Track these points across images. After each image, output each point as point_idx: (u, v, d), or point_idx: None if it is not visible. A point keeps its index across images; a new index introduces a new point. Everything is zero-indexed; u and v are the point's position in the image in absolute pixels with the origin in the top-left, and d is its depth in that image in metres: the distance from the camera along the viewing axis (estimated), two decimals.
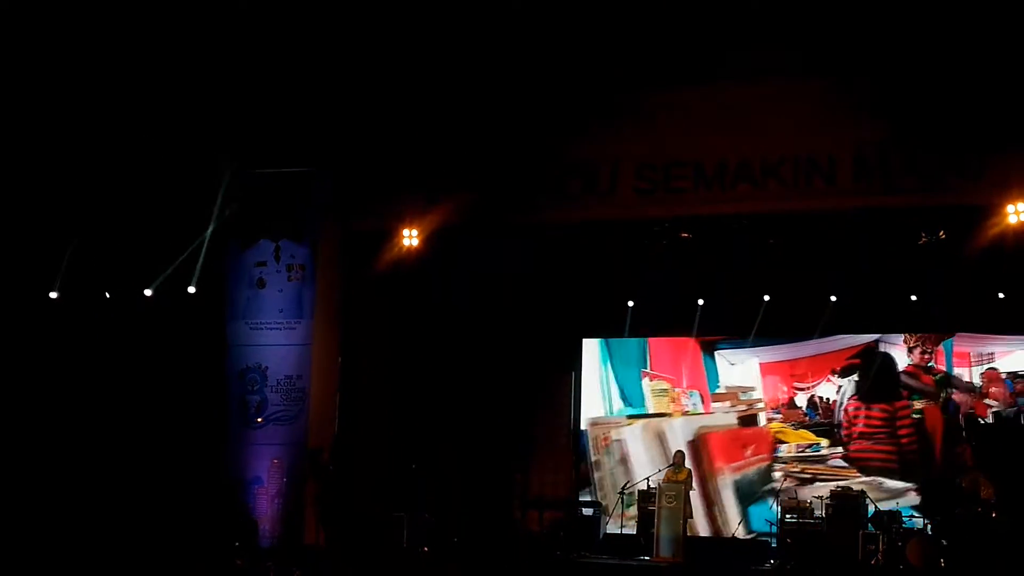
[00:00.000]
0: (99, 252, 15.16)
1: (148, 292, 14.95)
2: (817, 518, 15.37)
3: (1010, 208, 13.21)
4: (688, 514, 15.34)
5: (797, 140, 13.57)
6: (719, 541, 16.67)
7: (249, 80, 14.27)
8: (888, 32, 13.03)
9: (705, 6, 13.15)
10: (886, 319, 17.03)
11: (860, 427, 16.71)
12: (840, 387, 17.52)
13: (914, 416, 16.50)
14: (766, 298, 16.95)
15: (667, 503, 15.12)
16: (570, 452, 18.39)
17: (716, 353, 18.53)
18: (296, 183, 15.25)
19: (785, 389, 18.15)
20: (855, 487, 15.76)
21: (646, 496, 16.27)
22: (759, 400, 18.21)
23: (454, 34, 13.59)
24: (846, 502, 15.29)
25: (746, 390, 18.31)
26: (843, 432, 16.90)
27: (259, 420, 15.22)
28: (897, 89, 13.31)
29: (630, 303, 17.68)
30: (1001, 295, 16.15)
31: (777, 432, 17.80)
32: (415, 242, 15.00)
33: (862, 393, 16.89)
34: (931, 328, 17.08)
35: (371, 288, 15.49)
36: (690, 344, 18.46)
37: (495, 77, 14.29)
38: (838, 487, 15.95)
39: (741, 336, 17.79)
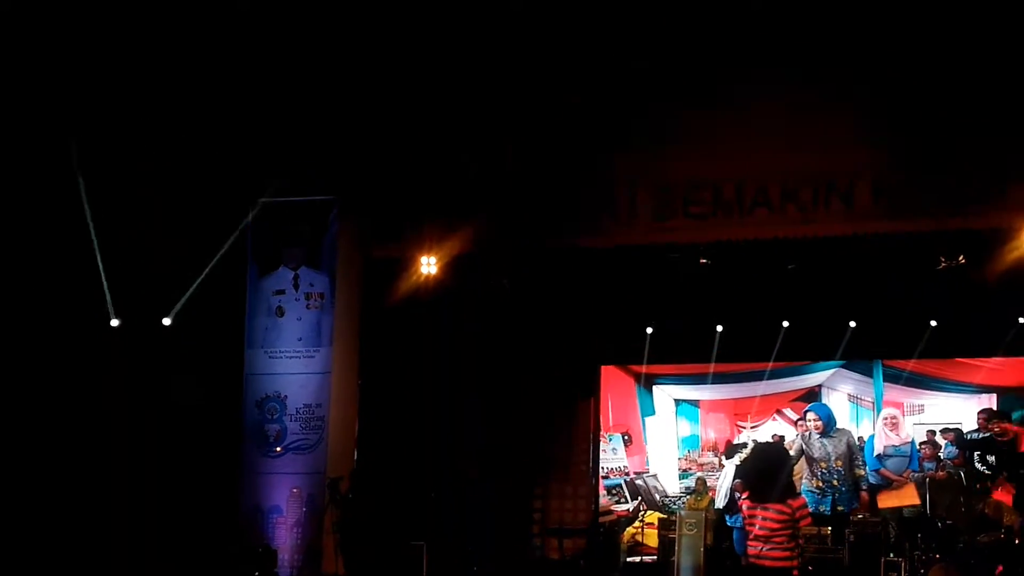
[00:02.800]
0: (116, 279, 15.17)
1: (167, 321, 14.92)
2: (837, 546, 15.30)
3: None
4: (709, 542, 15.26)
5: (816, 164, 13.55)
6: (739, 569, 16.55)
7: (269, 109, 14.31)
8: (908, 55, 13.04)
9: (724, 28, 13.20)
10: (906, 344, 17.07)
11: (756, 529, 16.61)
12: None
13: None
14: (785, 324, 16.96)
15: (687, 531, 15.06)
16: (589, 479, 18.34)
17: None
18: (315, 211, 15.28)
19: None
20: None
21: (667, 524, 16.22)
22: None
23: (473, 62, 13.64)
24: (867, 529, 15.24)
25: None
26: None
27: (278, 449, 15.20)
28: (917, 112, 13.28)
29: (648, 330, 17.67)
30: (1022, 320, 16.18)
31: None
32: (434, 269, 15.02)
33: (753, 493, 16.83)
34: (943, 355, 17.17)
35: (390, 316, 15.47)
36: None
37: (513, 104, 14.32)
38: (859, 515, 15.92)
39: (761, 360, 17.77)
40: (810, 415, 17.52)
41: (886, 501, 16.75)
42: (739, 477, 14.66)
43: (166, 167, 14.80)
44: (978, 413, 16.93)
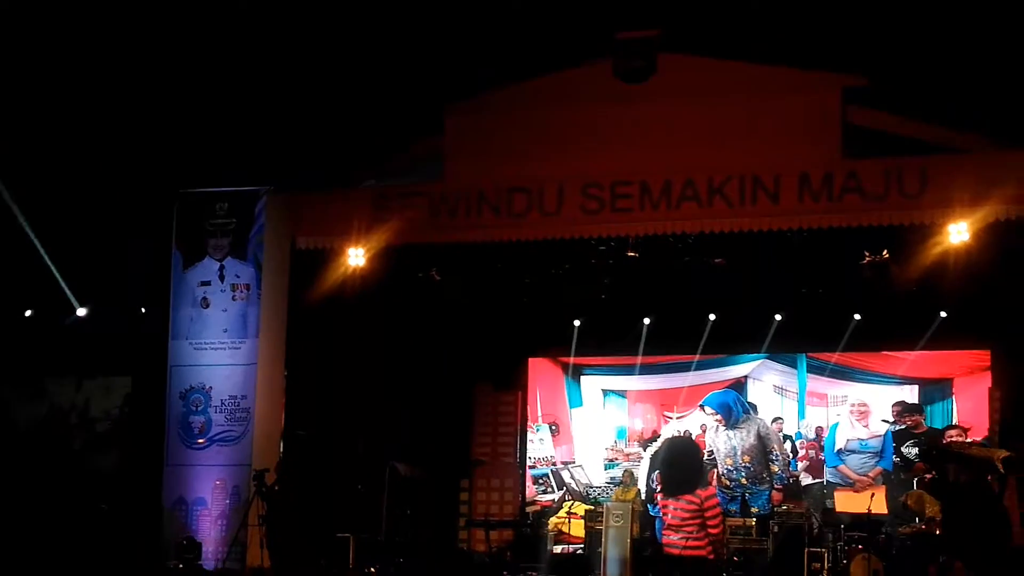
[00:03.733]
0: (32, 269, 15.01)
1: (81, 312, 14.79)
2: (762, 537, 15.44)
3: (951, 227, 13.37)
4: (635, 533, 15.31)
5: (743, 159, 13.63)
6: (667, 560, 16.61)
7: (191, 99, 14.19)
8: (832, 50, 13.17)
9: (649, 23, 13.28)
10: (826, 338, 17.26)
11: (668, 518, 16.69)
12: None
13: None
14: (712, 317, 17.09)
15: (614, 522, 15.08)
16: (516, 471, 18.37)
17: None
18: (240, 201, 15.14)
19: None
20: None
21: (594, 515, 16.27)
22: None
23: (391, 49, 13.61)
24: (791, 520, 15.39)
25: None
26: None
27: (202, 441, 15.05)
28: (840, 107, 13.41)
29: (576, 322, 17.73)
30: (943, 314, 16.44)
31: None
32: (361, 261, 14.96)
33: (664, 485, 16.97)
34: (866, 348, 17.38)
35: (317, 307, 15.37)
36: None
37: (439, 93, 14.29)
38: (783, 507, 16.07)
39: (688, 354, 17.90)
40: (707, 409, 17.64)
41: (845, 504, 16.54)
42: (654, 469, 14.82)
43: (89, 159, 14.63)
44: (892, 405, 17.17)
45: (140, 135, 14.48)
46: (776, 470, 17.19)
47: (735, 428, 17.42)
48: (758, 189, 13.58)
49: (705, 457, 17.23)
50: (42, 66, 13.70)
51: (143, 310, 15.52)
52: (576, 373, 18.85)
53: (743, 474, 17.29)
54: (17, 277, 15.50)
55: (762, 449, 17.32)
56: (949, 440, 15.62)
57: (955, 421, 16.87)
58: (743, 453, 17.23)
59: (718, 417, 17.56)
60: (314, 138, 14.75)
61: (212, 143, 14.71)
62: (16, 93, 13.86)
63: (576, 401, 18.91)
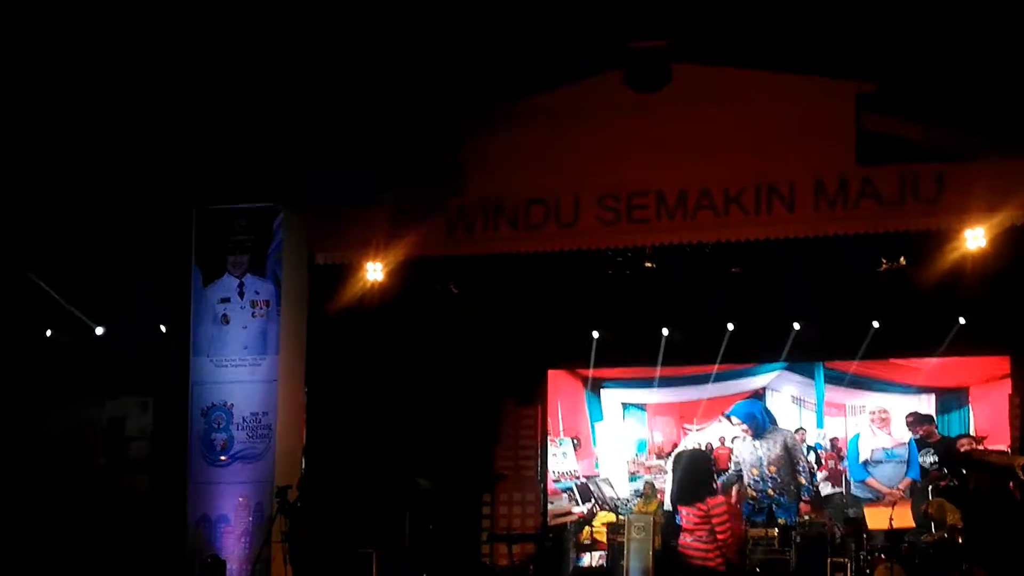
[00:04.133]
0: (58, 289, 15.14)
1: (99, 331, 14.89)
2: (784, 547, 15.41)
3: (968, 233, 13.37)
4: (657, 545, 15.31)
5: (758, 167, 13.66)
6: (691, 571, 16.64)
7: (211, 116, 14.28)
8: (843, 58, 13.20)
9: (660, 33, 13.34)
10: (845, 346, 17.23)
11: (683, 523, 16.44)
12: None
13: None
14: (730, 327, 17.09)
15: (636, 535, 15.11)
16: (537, 484, 18.39)
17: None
18: (259, 218, 15.24)
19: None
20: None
21: (615, 528, 16.28)
22: None
23: (409, 64, 13.69)
24: (813, 530, 15.37)
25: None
26: None
27: (224, 458, 15.11)
28: (854, 114, 13.44)
29: (595, 334, 17.75)
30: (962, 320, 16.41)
31: None
32: (380, 275, 15.04)
33: (676, 494, 17.05)
34: (885, 355, 17.35)
35: (337, 323, 15.43)
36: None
37: (454, 107, 14.37)
38: (805, 517, 16.04)
39: (707, 365, 17.88)
40: (733, 420, 17.60)
41: (877, 520, 16.22)
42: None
43: (107, 176, 14.74)
44: (905, 416, 17.11)
45: (157, 152, 14.56)
46: (803, 481, 17.14)
47: (761, 438, 17.41)
48: (774, 197, 13.62)
49: (731, 468, 17.26)
50: (57, 81, 13.79)
51: (163, 328, 15.60)
52: (595, 386, 18.85)
53: (769, 485, 17.25)
54: (36, 297, 15.60)
55: (789, 460, 17.28)
56: (970, 448, 15.66)
57: (971, 430, 16.85)
58: (769, 464, 17.21)
59: (745, 427, 17.53)
60: (330, 153, 14.82)
61: (229, 159, 14.79)
62: (31, 108, 13.96)
63: (597, 415, 18.89)
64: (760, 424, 17.50)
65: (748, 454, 17.36)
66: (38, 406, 15.75)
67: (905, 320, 16.43)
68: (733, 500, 16.58)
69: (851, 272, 15.27)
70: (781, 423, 17.81)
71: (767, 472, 17.24)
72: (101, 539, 14.89)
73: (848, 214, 13.47)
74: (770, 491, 17.20)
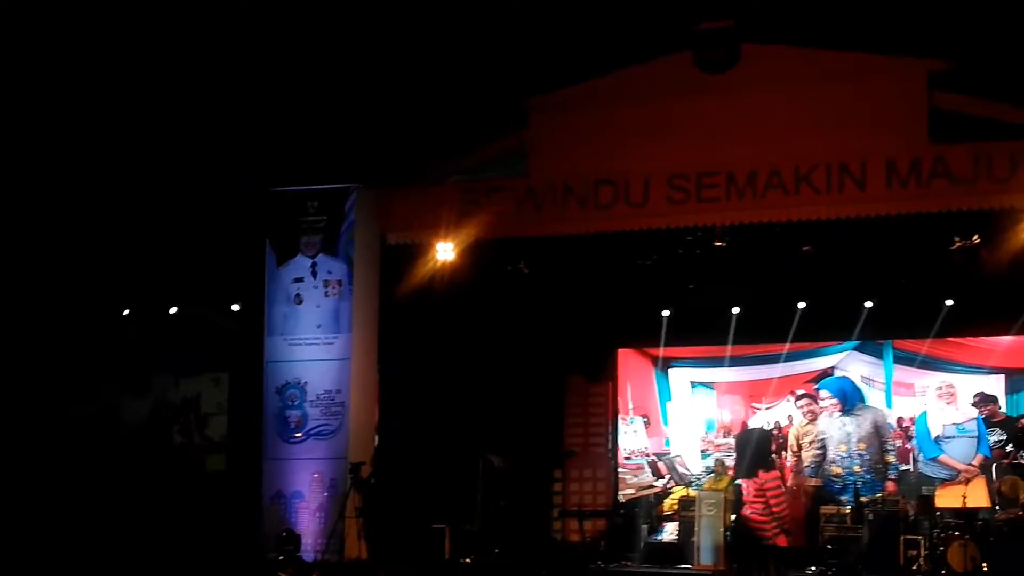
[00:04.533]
0: (130, 271, 15.40)
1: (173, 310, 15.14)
2: (857, 525, 15.37)
3: None
4: (728, 522, 15.35)
5: (828, 147, 13.61)
6: (761, 548, 16.65)
7: (282, 98, 14.44)
8: (918, 36, 13.10)
9: (728, 13, 13.31)
10: (916, 325, 17.07)
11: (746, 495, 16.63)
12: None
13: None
14: (801, 305, 17.01)
15: (707, 511, 15.16)
16: (608, 461, 18.44)
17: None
18: (331, 198, 15.40)
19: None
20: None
21: (687, 504, 16.33)
22: None
23: (487, 45, 13.76)
24: (886, 507, 15.32)
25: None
26: None
27: (299, 435, 15.35)
28: (926, 92, 13.34)
29: (665, 313, 17.75)
30: None
31: None
32: (450, 255, 15.15)
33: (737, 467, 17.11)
34: (957, 334, 17.17)
35: (408, 301, 15.59)
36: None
37: (526, 88, 14.43)
38: (878, 494, 15.98)
39: (778, 341, 17.82)
40: (822, 393, 17.47)
41: (945, 499, 15.92)
42: None
43: (183, 159, 14.96)
44: (972, 396, 16.94)
45: (232, 135, 14.76)
46: (891, 460, 16.92)
47: (850, 415, 17.21)
48: (844, 176, 13.57)
49: (813, 447, 17.12)
50: (136, 67, 14.02)
51: (235, 307, 15.82)
52: (665, 365, 18.82)
53: (856, 462, 17.05)
54: (114, 277, 15.88)
55: (878, 438, 17.05)
56: None
57: None
58: (858, 440, 16.99)
59: (834, 401, 17.31)
60: (401, 134, 14.94)
61: (302, 141, 14.96)
62: (109, 93, 14.20)
63: (666, 394, 18.86)
64: (850, 399, 17.32)
65: (836, 430, 17.13)
66: (117, 388, 16.03)
67: (977, 299, 16.23)
68: (788, 478, 16.67)
69: (923, 251, 15.13)
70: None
71: (855, 449, 17.02)
72: (179, 516, 15.15)
73: (920, 192, 13.39)
74: (856, 468, 17.02)
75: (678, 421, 18.61)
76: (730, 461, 17.61)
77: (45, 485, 15.00)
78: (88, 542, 14.37)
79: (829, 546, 14.97)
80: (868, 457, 17.08)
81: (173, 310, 16.00)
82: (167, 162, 15.09)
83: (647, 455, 18.51)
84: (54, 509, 14.73)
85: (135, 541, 14.51)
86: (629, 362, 18.89)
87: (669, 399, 18.66)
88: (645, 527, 17.08)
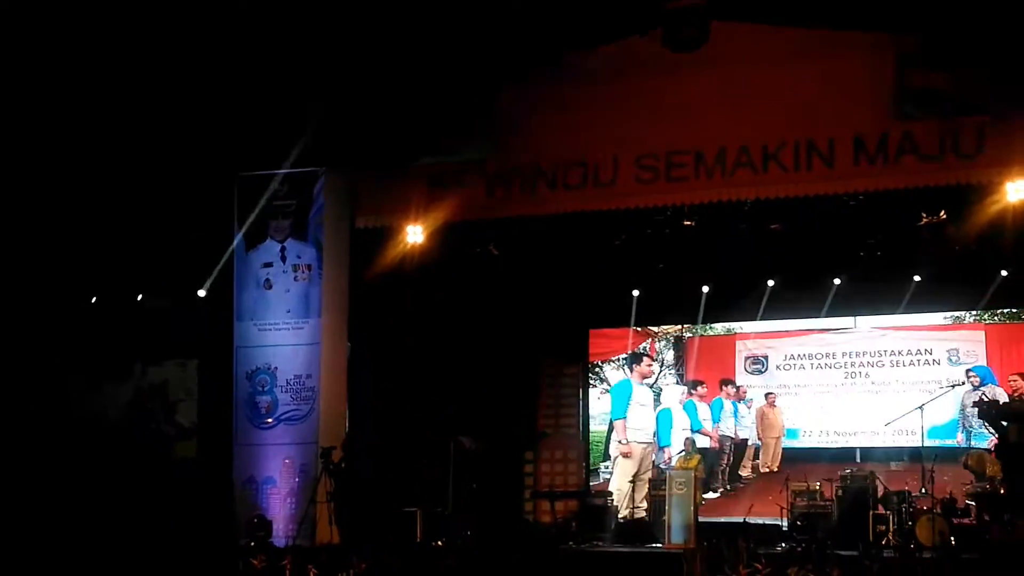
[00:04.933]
0: (95, 256, 15.30)
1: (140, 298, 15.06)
2: (827, 500, 15.46)
3: (1009, 186, 13.30)
4: (699, 500, 15.39)
5: (796, 125, 13.62)
6: (730, 526, 16.71)
7: (247, 82, 14.34)
8: (883, 13, 13.11)
9: None
10: (890, 301, 17.21)
11: None
12: None
13: None
14: (771, 283, 17.09)
15: (677, 490, 15.18)
16: (579, 443, 18.48)
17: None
18: (300, 182, 15.35)
19: None
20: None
21: (657, 483, 16.37)
22: None
23: (450, 29, 13.70)
24: (855, 483, 15.39)
25: None
26: None
27: (269, 421, 15.32)
28: (893, 69, 13.36)
29: (635, 292, 17.78)
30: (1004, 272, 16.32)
31: None
32: (420, 238, 15.12)
33: None
34: (926, 309, 17.36)
35: (378, 285, 15.55)
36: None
37: (494, 70, 14.37)
38: (847, 470, 16.06)
39: (747, 319, 17.95)
40: None
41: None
42: None
43: (148, 143, 14.85)
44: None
45: (198, 118, 14.65)
46: None
47: None
48: (813, 154, 13.59)
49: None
50: (96, 48, 13.87)
51: (200, 293, 15.72)
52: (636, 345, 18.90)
53: None
54: (79, 265, 15.77)
55: None
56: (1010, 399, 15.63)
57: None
58: None
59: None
60: (370, 117, 14.87)
61: (269, 125, 14.86)
62: (74, 75, 14.06)
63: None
64: None
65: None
66: (85, 375, 15.92)
67: (945, 275, 16.35)
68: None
69: (891, 227, 15.20)
70: None
71: None
72: (148, 502, 15.08)
73: (888, 169, 13.41)
74: None
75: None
76: (701, 442, 17.81)
77: (46, 484, 14.88)
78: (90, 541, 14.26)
79: (799, 522, 15.03)
80: None
81: (140, 297, 15.86)
82: (134, 146, 14.94)
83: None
84: (55, 509, 14.63)
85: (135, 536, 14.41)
86: (601, 342, 18.97)
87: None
88: (616, 507, 17.11)
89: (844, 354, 18.34)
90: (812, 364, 18.57)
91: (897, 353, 18.02)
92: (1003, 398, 16.06)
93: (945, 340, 17.79)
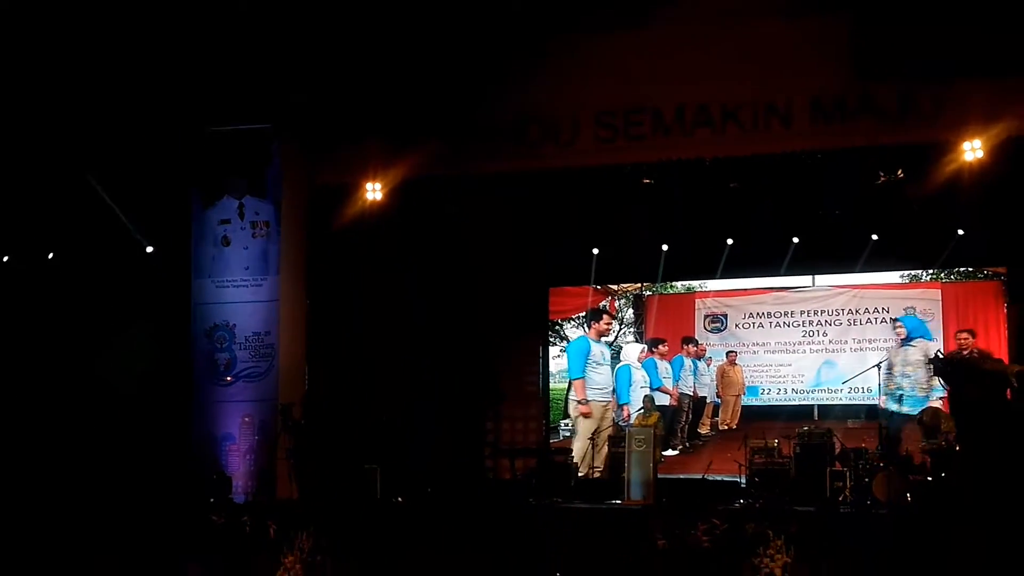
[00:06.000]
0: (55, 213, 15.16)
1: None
2: (785, 457, 15.56)
3: (966, 145, 13.39)
4: (658, 457, 15.47)
5: (754, 84, 13.66)
6: (688, 482, 16.82)
7: (204, 36, 14.22)
8: None
9: None
10: (847, 260, 17.31)
11: None
12: None
13: None
14: (729, 241, 17.14)
15: (636, 447, 15.24)
16: (539, 401, 18.53)
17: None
18: (257, 139, 15.26)
19: None
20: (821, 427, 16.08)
21: (616, 440, 16.44)
22: None
23: None
24: (812, 440, 15.51)
25: None
26: None
27: (228, 378, 15.32)
28: (851, 28, 13.39)
29: (595, 251, 17.79)
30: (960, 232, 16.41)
31: None
32: (379, 195, 15.08)
33: None
34: (883, 268, 17.49)
35: (337, 243, 15.52)
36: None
37: (452, 24, 14.29)
38: (805, 428, 16.18)
39: (706, 278, 18.05)
40: None
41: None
42: None
43: (99, 101, 14.70)
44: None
45: (153, 75, 14.51)
46: None
47: None
48: (771, 113, 13.63)
49: None
50: (60, 7, 13.74)
51: (149, 249, 15.59)
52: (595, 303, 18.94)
53: None
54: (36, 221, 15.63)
55: None
56: (965, 356, 15.73)
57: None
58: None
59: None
60: (327, 75, 14.78)
61: (226, 81, 14.75)
62: (32, 35, 13.91)
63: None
64: None
65: None
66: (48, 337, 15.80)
67: (903, 234, 16.45)
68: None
69: (849, 186, 15.26)
70: None
71: None
72: (109, 461, 15.04)
73: (845, 129, 13.47)
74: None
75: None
76: (660, 399, 17.90)
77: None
78: None
79: (756, 479, 15.14)
80: None
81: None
82: (91, 102, 14.78)
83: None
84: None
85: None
86: (561, 301, 19.02)
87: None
88: (576, 464, 17.18)
89: (802, 312, 18.41)
90: (771, 323, 18.64)
91: (854, 312, 18.10)
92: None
93: (902, 299, 17.86)
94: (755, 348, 18.87)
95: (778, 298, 18.64)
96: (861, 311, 18.10)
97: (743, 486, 15.38)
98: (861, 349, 17.94)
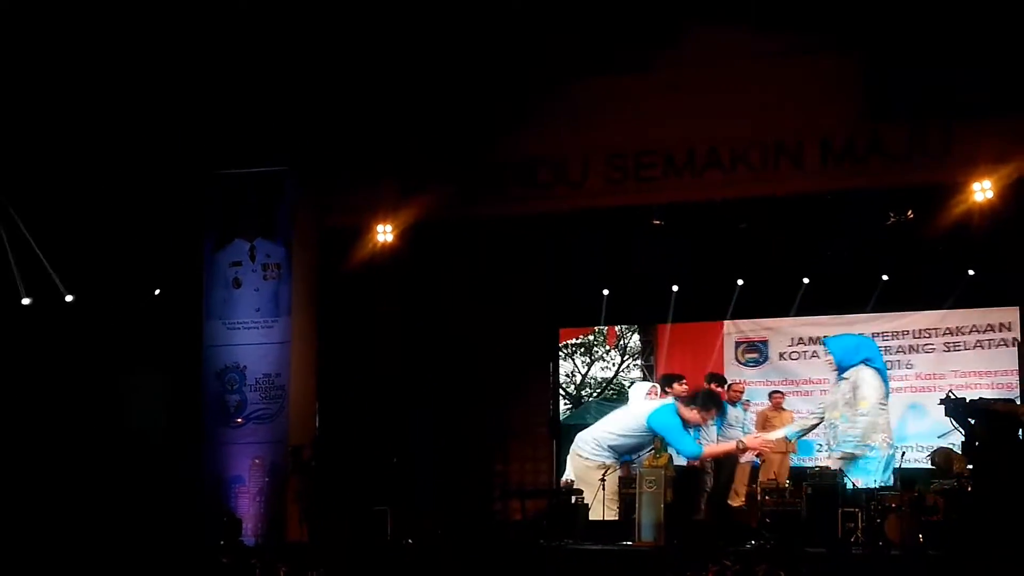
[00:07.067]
0: (68, 256, 15.17)
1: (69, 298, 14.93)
2: (795, 498, 15.49)
3: (976, 186, 13.41)
4: (669, 498, 15.43)
5: (764, 125, 13.72)
6: (699, 524, 16.75)
7: (218, 81, 14.31)
8: (852, 15, 13.19)
9: None
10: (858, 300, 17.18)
11: None
12: None
13: None
14: (739, 282, 17.09)
15: (647, 488, 15.22)
16: (549, 441, 18.48)
17: None
18: (269, 182, 15.32)
19: None
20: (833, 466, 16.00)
21: (627, 482, 16.39)
22: None
23: (421, 29, 13.70)
24: (824, 481, 15.45)
25: None
26: None
27: (239, 420, 15.30)
28: (862, 70, 13.45)
29: (605, 292, 17.79)
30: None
31: None
32: (389, 237, 15.13)
33: None
34: (895, 308, 17.28)
35: (348, 284, 15.55)
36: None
37: (463, 70, 14.38)
38: (816, 467, 16.11)
39: (716, 319, 17.93)
40: None
41: None
42: None
43: (116, 144, 14.77)
44: None
45: (166, 118, 14.59)
46: None
47: None
48: (781, 154, 13.68)
49: None
50: (70, 50, 13.80)
51: (156, 292, 15.63)
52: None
53: None
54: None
55: None
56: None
57: None
58: None
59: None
60: (339, 118, 14.85)
61: (238, 125, 14.82)
62: (43, 76, 13.99)
63: None
64: None
65: None
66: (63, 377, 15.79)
67: (913, 274, 16.38)
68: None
69: (859, 227, 15.28)
70: None
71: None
72: (120, 502, 15.02)
73: (855, 169, 13.51)
74: None
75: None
76: None
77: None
78: None
79: (767, 520, 15.08)
80: None
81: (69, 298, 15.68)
82: (103, 145, 14.85)
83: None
84: None
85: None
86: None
87: None
88: (587, 505, 17.12)
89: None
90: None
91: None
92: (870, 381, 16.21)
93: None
94: (807, 387, 17.13)
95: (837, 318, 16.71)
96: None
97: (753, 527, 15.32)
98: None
